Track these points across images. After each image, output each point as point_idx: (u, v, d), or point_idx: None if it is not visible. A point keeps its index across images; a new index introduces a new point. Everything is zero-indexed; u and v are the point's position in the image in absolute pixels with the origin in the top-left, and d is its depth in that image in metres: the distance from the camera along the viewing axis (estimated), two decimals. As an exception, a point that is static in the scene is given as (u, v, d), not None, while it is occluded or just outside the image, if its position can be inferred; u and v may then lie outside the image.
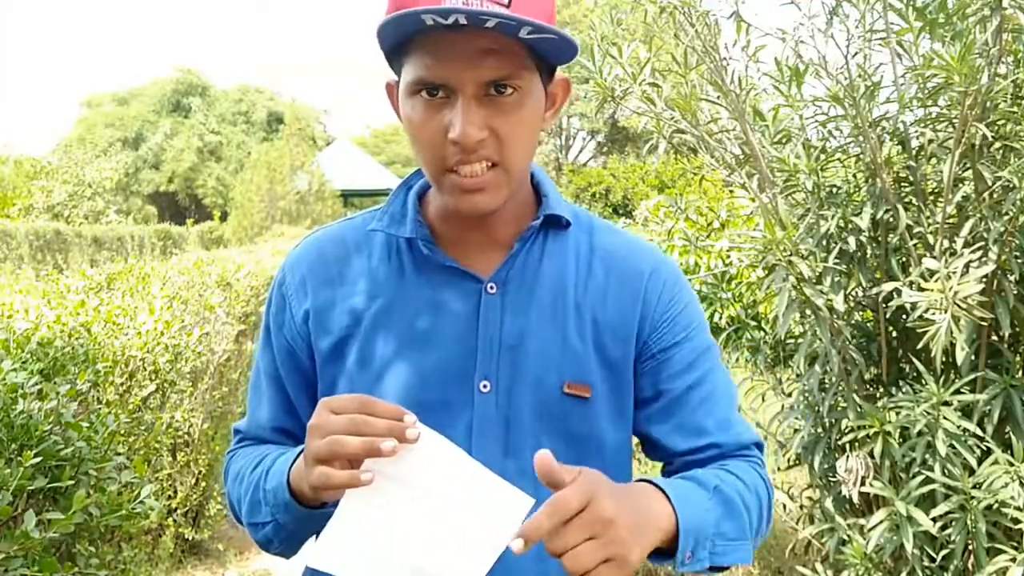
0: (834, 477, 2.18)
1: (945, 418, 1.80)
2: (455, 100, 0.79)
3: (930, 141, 2.04)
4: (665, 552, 0.76)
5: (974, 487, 1.79)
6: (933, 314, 1.66)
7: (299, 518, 0.83)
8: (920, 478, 1.84)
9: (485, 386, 0.88)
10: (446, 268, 0.90)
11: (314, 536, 0.92)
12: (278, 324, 0.96)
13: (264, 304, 1.01)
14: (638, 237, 1.02)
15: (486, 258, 0.91)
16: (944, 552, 1.88)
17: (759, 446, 0.95)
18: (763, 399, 2.62)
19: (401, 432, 0.71)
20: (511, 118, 0.80)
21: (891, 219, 2.02)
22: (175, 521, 3.23)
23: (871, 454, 1.94)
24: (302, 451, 0.80)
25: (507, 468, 0.86)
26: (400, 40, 0.80)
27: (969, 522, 1.78)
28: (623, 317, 0.92)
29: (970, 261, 1.73)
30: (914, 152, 2.08)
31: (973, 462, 1.81)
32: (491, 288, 0.89)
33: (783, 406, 2.47)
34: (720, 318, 5.74)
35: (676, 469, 0.93)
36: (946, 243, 1.91)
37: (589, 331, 0.91)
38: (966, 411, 1.92)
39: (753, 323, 2.72)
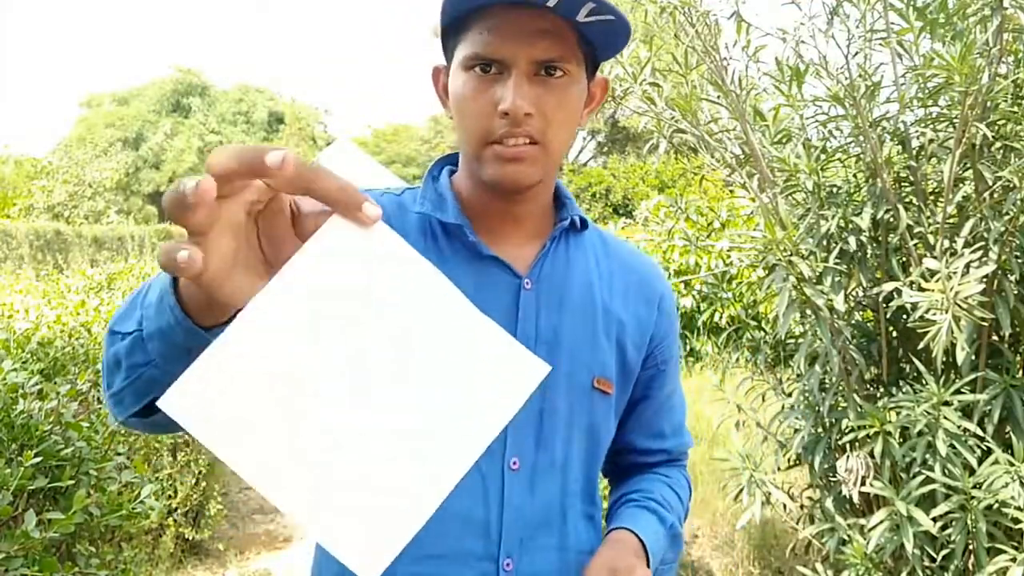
0: (834, 477, 2.18)
1: (945, 418, 1.80)
2: (507, 76, 0.81)
3: (930, 141, 2.04)
4: None
5: (974, 487, 1.79)
6: (934, 314, 1.66)
7: (166, 332, 0.56)
8: (920, 478, 1.84)
9: None
10: (487, 259, 0.90)
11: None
12: None
13: None
14: (636, 246, 1.09)
15: (516, 252, 0.92)
16: (944, 552, 1.88)
17: (689, 447, 1.11)
18: (763, 399, 2.62)
19: (256, 159, 0.44)
20: (557, 100, 0.83)
21: (891, 219, 2.02)
22: (175, 521, 3.23)
23: (871, 454, 1.94)
24: None
25: (539, 460, 0.89)
26: (460, 16, 0.83)
27: (969, 522, 1.78)
28: (641, 325, 0.98)
29: (970, 261, 1.73)
30: (914, 152, 2.08)
31: (973, 462, 1.81)
32: (527, 284, 0.91)
33: (783, 406, 2.47)
34: (720, 318, 5.76)
35: (625, 463, 1.07)
36: (946, 243, 1.91)
37: (614, 331, 0.95)
38: (966, 411, 1.92)
39: (753, 323, 2.72)
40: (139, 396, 0.64)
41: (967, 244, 1.86)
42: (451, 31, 0.86)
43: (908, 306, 1.84)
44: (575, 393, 0.91)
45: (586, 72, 0.87)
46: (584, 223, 0.98)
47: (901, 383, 2.07)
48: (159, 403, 0.45)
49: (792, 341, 2.51)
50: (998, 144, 1.93)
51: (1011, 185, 1.83)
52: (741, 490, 2.37)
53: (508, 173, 0.84)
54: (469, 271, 0.90)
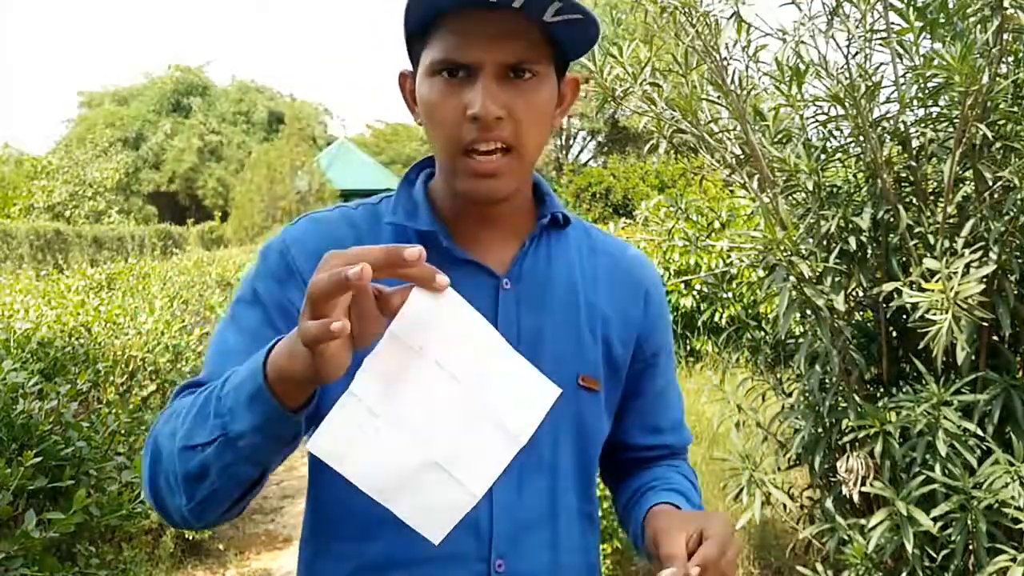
0: (834, 477, 2.18)
1: (945, 418, 1.80)
2: (475, 80, 0.80)
3: (931, 141, 2.04)
4: None
5: (974, 487, 1.79)
6: (934, 314, 1.66)
7: (262, 423, 0.67)
8: (920, 478, 1.84)
9: None
10: (462, 262, 0.88)
11: (260, 482, 0.76)
12: (278, 279, 0.87)
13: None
14: (625, 240, 1.06)
15: (495, 254, 0.91)
16: (944, 552, 1.88)
17: (689, 443, 1.10)
18: (763, 399, 2.62)
19: (397, 255, 0.61)
20: (528, 102, 0.81)
21: (892, 219, 2.02)
22: (175, 521, 3.23)
23: (871, 454, 1.93)
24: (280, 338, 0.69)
25: (527, 460, 0.86)
26: (424, 21, 0.81)
27: (969, 522, 1.78)
28: (627, 319, 0.97)
29: (971, 261, 1.73)
30: (915, 152, 2.08)
31: (973, 462, 1.81)
32: (506, 284, 0.89)
33: (783, 406, 2.47)
34: (720, 318, 5.75)
35: (626, 459, 1.04)
36: (947, 243, 1.91)
37: (599, 327, 0.94)
38: (966, 411, 1.92)
39: (753, 323, 2.72)
40: (227, 496, 0.73)
41: (967, 244, 1.86)
42: (416, 36, 0.84)
43: (908, 306, 1.84)
44: (561, 393, 0.90)
45: (556, 72, 0.86)
46: (567, 219, 0.96)
47: (901, 383, 2.07)
48: (308, 446, 0.61)
49: (792, 341, 2.51)
50: (998, 144, 1.93)
51: (1011, 185, 1.83)
52: (741, 490, 2.37)
53: (482, 188, 0.83)
54: (447, 276, 0.89)
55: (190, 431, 0.72)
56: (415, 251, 0.61)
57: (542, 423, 0.88)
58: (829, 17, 2.06)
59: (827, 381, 2.17)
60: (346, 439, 0.61)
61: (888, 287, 1.91)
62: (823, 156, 2.13)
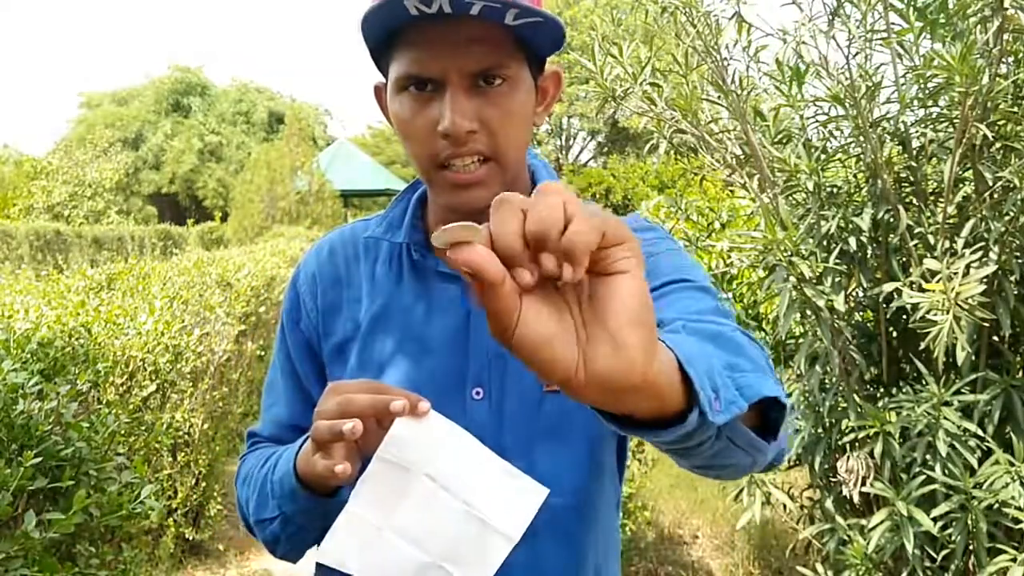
0: (834, 477, 2.18)
1: (946, 418, 1.80)
2: (443, 93, 0.77)
3: (931, 141, 2.04)
4: (674, 418, 0.52)
5: (975, 487, 1.79)
6: (934, 315, 1.66)
7: (306, 508, 0.81)
8: (921, 478, 1.84)
9: (478, 393, 0.86)
10: (439, 273, 0.89)
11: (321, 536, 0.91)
12: (293, 320, 0.96)
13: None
14: (635, 217, 0.94)
15: None
16: (945, 552, 1.88)
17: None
18: (763, 399, 2.61)
19: (384, 407, 0.68)
20: (501, 109, 0.78)
21: (892, 219, 2.02)
22: (175, 521, 3.23)
23: (871, 454, 1.94)
24: (308, 437, 0.79)
25: None
26: (385, 35, 0.78)
27: (970, 522, 1.78)
28: None
29: (971, 262, 1.73)
30: (915, 152, 2.08)
31: (974, 462, 1.81)
32: None
33: (783, 406, 2.46)
34: (720, 318, 5.75)
35: None
36: (947, 243, 1.91)
37: None
38: (967, 411, 1.92)
39: (754, 323, 2.72)
40: (304, 545, 0.89)
41: (967, 244, 1.86)
42: (380, 50, 0.81)
43: (908, 306, 1.84)
44: (530, 402, 0.86)
45: (532, 70, 0.82)
46: None
47: (901, 383, 2.07)
48: (316, 557, 0.73)
49: (792, 341, 2.51)
50: (998, 144, 1.93)
51: (1011, 185, 1.83)
52: (741, 490, 2.37)
53: (463, 200, 0.80)
54: (423, 287, 0.89)
55: (258, 508, 0.87)
56: (399, 405, 0.67)
57: (517, 436, 0.85)
58: (830, 17, 2.06)
59: (827, 381, 2.17)
60: (350, 548, 0.71)
61: (888, 287, 1.92)
62: (823, 156, 2.13)
